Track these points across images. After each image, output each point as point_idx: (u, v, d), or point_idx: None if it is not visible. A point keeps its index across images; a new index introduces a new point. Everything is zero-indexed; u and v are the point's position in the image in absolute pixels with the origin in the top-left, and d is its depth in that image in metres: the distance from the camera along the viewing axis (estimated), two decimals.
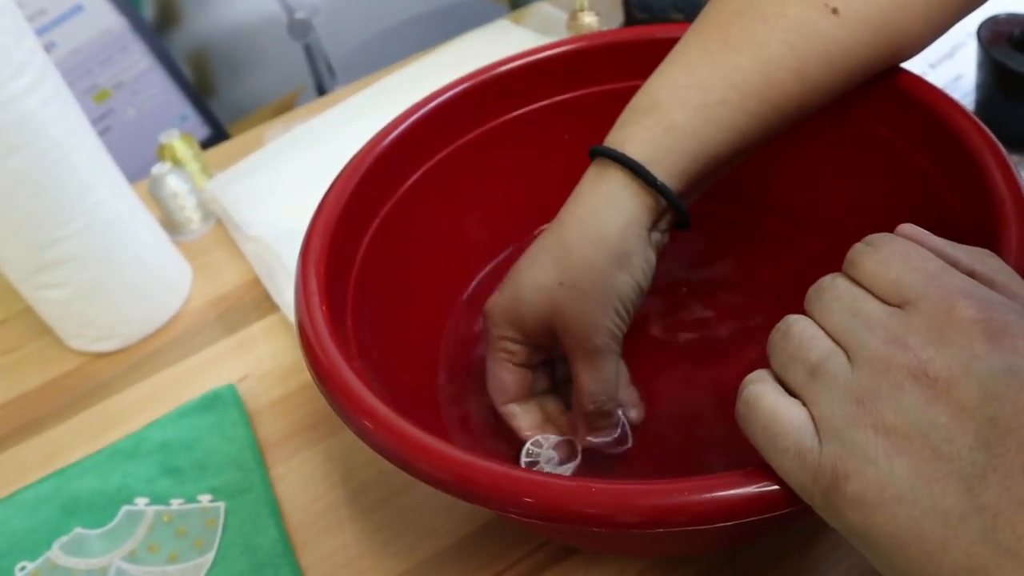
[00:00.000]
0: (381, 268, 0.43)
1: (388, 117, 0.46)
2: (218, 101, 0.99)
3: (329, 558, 0.45)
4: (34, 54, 0.50)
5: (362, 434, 0.32)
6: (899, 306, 0.27)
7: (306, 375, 0.54)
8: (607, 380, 0.40)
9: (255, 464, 0.50)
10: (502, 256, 0.51)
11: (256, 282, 0.62)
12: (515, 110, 0.48)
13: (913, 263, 0.27)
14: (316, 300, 0.37)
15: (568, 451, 0.43)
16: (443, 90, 0.46)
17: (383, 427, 0.32)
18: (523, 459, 0.42)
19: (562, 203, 0.40)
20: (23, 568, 0.48)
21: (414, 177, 0.45)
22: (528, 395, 0.43)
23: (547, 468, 0.42)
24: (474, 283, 0.50)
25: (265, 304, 0.60)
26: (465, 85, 0.47)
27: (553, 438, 0.43)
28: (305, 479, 0.49)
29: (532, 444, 0.42)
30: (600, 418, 0.41)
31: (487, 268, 0.50)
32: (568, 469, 0.42)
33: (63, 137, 0.52)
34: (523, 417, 0.43)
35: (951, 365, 0.24)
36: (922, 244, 0.28)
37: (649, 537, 0.34)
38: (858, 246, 0.29)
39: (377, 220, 0.44)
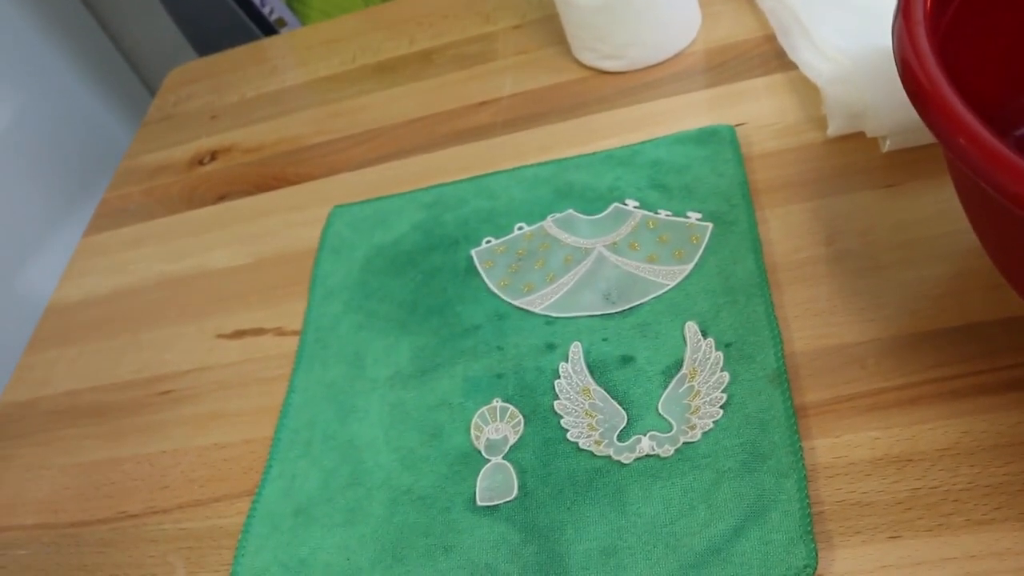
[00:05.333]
0: (969, 26, 0.40)
1: None
2: None
3: (802, 304, 0.46)
4: None
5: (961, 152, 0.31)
6: None
7: (805, 136, 0.53)
8: None
9: (742, 201, 0.51)
10: None
11: (765, 39, 0.61)
12: None
13: None
14: (920, 28, 0.35)
15: None
16: None
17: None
18: None
19: None
20: (520, 228, 0.54)
21: None
22: None
23: None
24: None
25: (773, 61, 0.59)
26: None
27: None
28: (789, 229, 0.49)
29: None
30: None
31: None
32: None
33: None
34: None
35: None
36: None
37: None
38: None
39: None
